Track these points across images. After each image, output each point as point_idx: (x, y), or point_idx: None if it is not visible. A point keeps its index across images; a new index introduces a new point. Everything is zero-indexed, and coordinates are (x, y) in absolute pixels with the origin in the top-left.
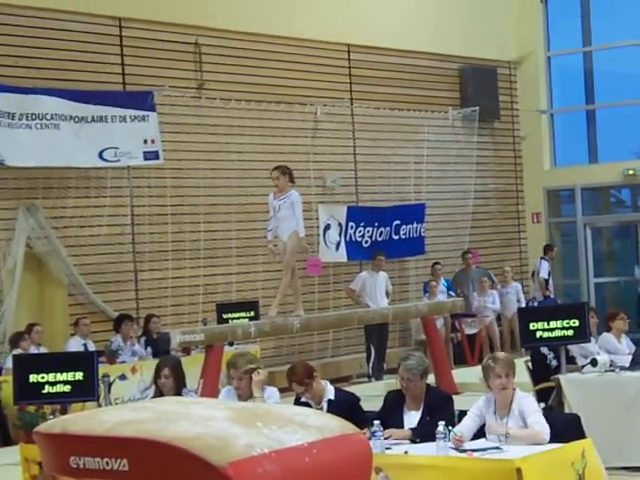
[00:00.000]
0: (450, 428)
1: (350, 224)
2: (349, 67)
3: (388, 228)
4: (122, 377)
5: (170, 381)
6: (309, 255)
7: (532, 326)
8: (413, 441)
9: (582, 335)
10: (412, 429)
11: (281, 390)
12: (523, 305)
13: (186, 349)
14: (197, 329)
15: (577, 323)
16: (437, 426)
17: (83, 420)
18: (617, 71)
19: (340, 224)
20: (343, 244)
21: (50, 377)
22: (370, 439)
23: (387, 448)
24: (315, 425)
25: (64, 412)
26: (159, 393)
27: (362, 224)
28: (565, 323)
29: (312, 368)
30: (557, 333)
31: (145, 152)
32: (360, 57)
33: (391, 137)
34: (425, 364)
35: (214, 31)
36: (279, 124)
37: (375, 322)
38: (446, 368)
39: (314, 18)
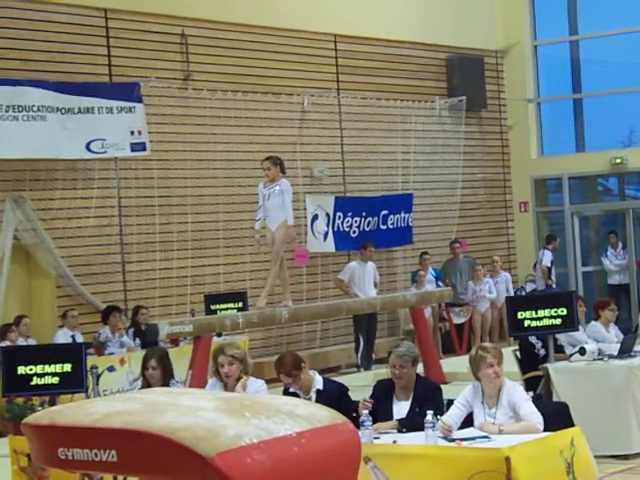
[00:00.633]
0: (438, 417)
1: (338, 214)
2: (336, 57)
3: (376, 218)
4: (111, 368)
5: (157, 372)
6: (297, 245)
7: (520, 315)
8: (400, 432)
9: (570, 324)
10: (399, 420)
11: (269, 381)
12: (512, 294)
13: (174, 340)
14: (185, 320)
15: (565, 312)
16: (425, 416)
17: (71, 411)
18: (604, 60)
19: (328, 214)
20: (331, 234)
21: (38, 369)
22: (359, 428)
23: (375, 438)
24: (304, 415)
25: (53, 404)
26: (146, 384)
27: (350, 214)
28: (553, 312)
29: (300, 358)
30: (545, 322)
31: (132, 143)
32: (347, 47)
33: (378, 127)
34: (416, 352)
35: (200, 22)
36: (266, 114)
37: (363, 312)
38: (434, 358)
39: (301, 8)
